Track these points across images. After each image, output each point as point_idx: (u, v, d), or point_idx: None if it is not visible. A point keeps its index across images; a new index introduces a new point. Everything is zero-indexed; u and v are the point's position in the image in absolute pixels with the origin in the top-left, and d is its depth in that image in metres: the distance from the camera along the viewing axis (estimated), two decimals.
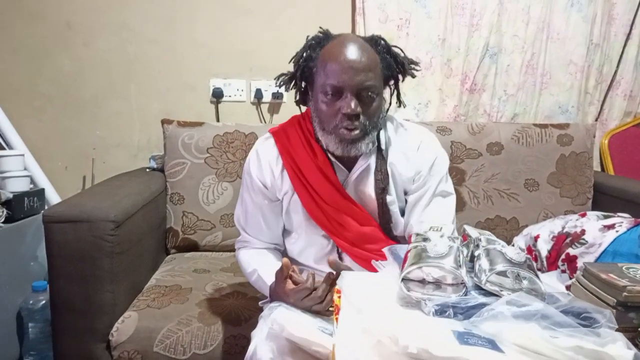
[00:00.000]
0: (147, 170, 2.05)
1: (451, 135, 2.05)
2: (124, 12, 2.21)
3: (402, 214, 1.30)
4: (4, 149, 2.10)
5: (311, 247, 1.32)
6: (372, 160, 1.25)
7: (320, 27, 1.24)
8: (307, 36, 1.23)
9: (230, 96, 2.30)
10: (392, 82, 1.26)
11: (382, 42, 1.21)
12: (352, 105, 1.11)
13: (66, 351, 1.40)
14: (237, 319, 1.41)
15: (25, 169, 2.03)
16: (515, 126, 2.11)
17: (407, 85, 2.29)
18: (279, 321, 1.05)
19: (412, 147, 1.27)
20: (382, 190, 1.24)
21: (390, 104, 1.29)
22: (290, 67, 1.25)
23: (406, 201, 1.29)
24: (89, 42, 2.21)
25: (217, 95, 2.27)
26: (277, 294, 1.15)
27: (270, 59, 2.21)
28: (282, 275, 1.12)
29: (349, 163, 1.25)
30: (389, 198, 1.25)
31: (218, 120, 2.28)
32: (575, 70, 2.38)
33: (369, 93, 1.14)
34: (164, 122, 1.99)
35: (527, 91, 2.39)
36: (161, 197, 1.91)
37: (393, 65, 1.22)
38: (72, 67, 2.22)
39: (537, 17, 2.32)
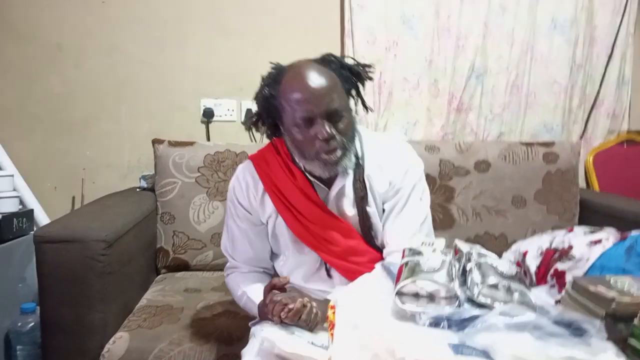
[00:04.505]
0: (138, 190, 2.05)
1: (439, 153, 2.07)
2: (114, 35, 2.23)
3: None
4: None
5: (300, 267, 1.34)
6: (350, 174, 1.28)
7: (271, 62, 1.27)
8: (261, 76, 1.26)
9: (220, 116, 2.32)
10: (354, 92, 1.28)
11: (333, 58, 1.23)
12: (326, 129, 1.14)
13: None
14: (229, 339, 1.41)
15: (14, 189, 2.02)
16: (501, 144, 2.15)
17: (395, 105, 2.35)
18: (270, 338, 1.05)
19: (386, 158, 1.31)
20: (361, 198, 1.27)
21: (357, 113, 1.30)
22: None
23: (384, 210, 1.31)
24: (80, 63, 2.22)
25: (208, 115, 2.29)
26: (264, 311, 1.16)
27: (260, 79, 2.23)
28: (269, 287, 1.15)
29: (328, 181, 1.28)
30: (369, 209, 1.28)
31: (209, 140, 2.29)
32: (559, 90, 2.44)
33: (338, 113, 1.17)
34: (154, 141, 1.99)
35: (512, 111, 2.43)
36: (152, 217, 1.90)
37: (350, 78, 1.25)
38: (63, 88, 2.22)
39: (521, 40, 2.38)
